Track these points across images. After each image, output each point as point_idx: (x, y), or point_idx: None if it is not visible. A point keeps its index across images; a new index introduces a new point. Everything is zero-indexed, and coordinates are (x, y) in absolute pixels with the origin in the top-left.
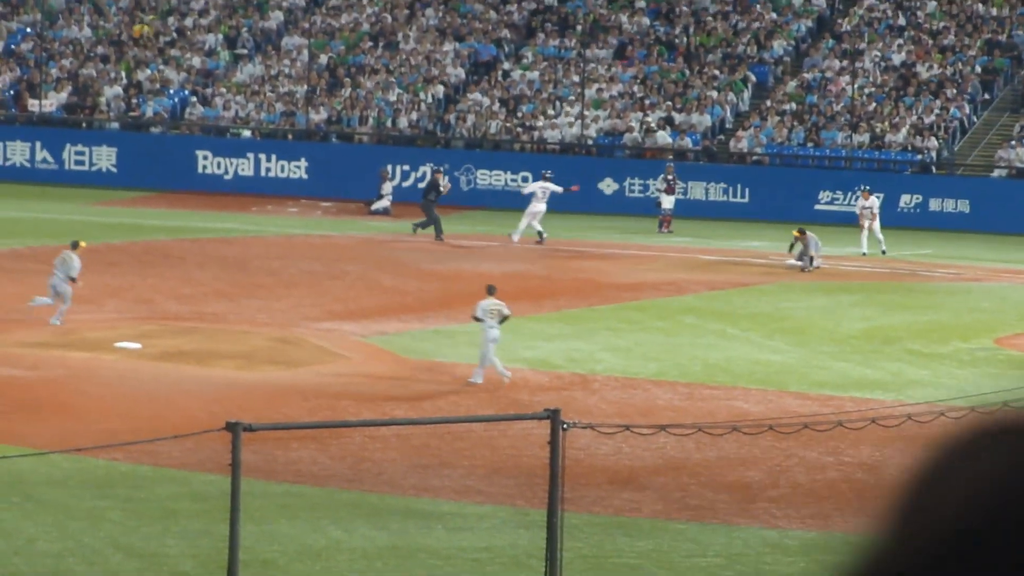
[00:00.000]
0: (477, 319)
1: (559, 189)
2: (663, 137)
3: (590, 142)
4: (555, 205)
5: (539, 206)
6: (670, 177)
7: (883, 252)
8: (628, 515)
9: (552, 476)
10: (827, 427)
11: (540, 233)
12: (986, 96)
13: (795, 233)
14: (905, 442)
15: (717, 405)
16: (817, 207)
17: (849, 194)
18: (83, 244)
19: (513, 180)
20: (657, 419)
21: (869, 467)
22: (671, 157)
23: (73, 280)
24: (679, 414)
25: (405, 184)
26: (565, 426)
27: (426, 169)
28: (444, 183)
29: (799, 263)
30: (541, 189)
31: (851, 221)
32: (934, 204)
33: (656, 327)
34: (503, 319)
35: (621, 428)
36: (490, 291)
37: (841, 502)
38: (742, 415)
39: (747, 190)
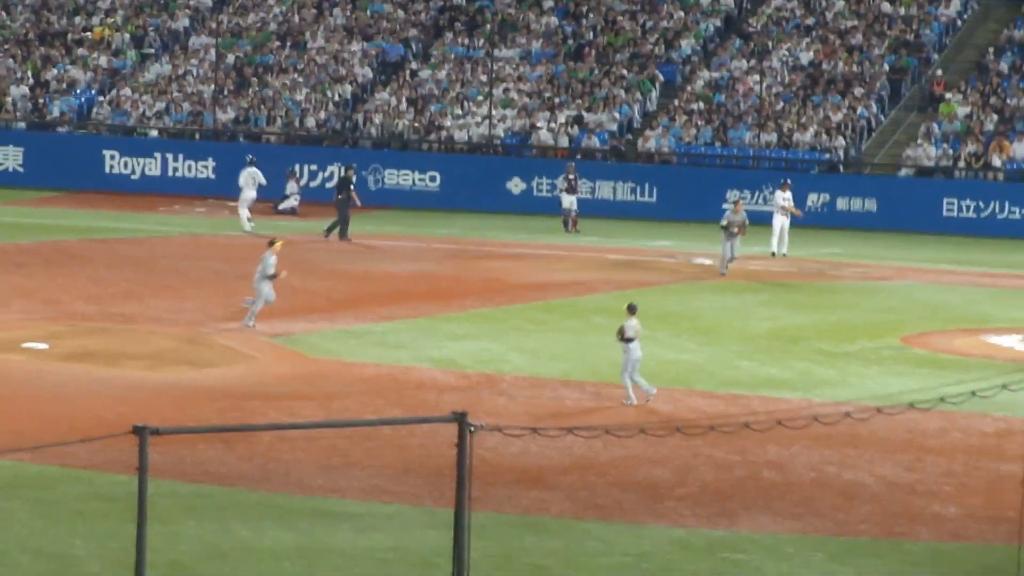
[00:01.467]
0: (629, 339)
1: (260, 176)
2: (545, 135)
3: (498, 142)
4: (464, 204)
5: (248, 193)
6: (571, 176)
7: (783, 254)
8: (536, 514)
9: (459, 478)
10: (733, 428)
11: (248, 220)
12: (891, 95)
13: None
14: (811, 441)
15: (625, 404)
16: (725, 206)
17: (758, 193)
18: (279, 243)
19: (421, 179)
20: (565, 419)
21: (776, 466)
22: (579, 156)
23: (270, 277)
24: (587, 414)
25: (313, 184)
26: (472, 428)
27: (334, 168)
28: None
29: (724, 260)
30: (250, 176)
31: (761, 220)
32: (841, 203)
33: (564, 327)
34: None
35: (528, 430)
36: (632, 311)
37: (748, 501)
38: (650, 414)
39: (655, 189)
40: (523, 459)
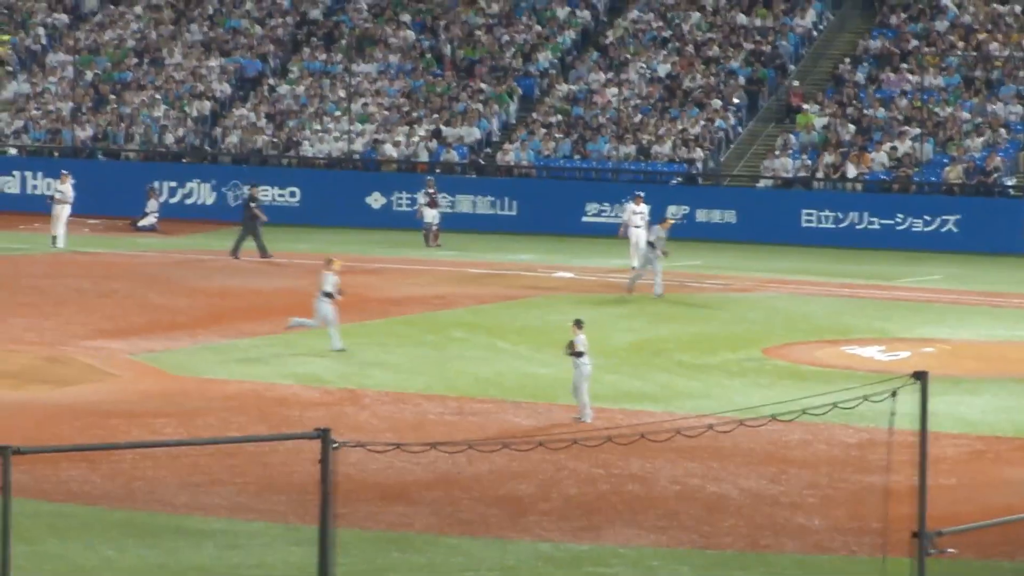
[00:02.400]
0: (579, 354)
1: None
2: (388, 150)
3: (356, 157)
4: (324, 219)
5: (62, 208)
6: (431, 191)
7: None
8: (401, 530)
9: (323, 495)
10: (597, 442)
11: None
12: (749, 107)
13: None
14: (674, 454)
15: (488, 419)
16: (584, 219)
17: (616, 205)
18: (336, 262)
19: (281, 195)
20: (428, 434)
21: (640, 479)
22: (438, 170)
23: (329, 296)
24: (450, 429)
25: (172, 200)
26: (335, 445)
27: (193, 185)
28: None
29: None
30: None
31: (618, 232)
32: (701, 215)
33: (425, 341)
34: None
35: (392, 447)
36: (580, 325)
37: (612, 514)
38: (512, 428)
39: (515, 203)
40: (387, 475)
